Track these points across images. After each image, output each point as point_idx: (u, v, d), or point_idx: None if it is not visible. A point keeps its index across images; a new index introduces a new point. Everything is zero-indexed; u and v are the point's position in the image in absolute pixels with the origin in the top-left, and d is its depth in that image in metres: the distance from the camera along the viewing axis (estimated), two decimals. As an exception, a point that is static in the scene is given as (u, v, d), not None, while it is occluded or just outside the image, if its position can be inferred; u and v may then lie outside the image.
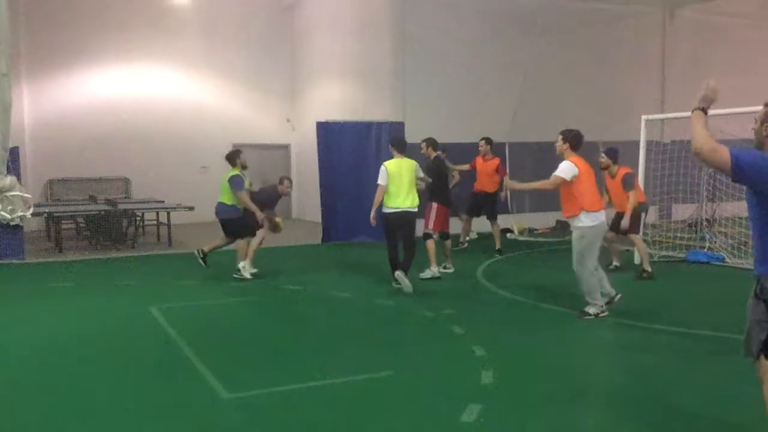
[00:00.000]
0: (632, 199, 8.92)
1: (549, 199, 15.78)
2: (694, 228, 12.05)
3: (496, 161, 11.58)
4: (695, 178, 11.87)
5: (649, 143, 11.04)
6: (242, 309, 7.91)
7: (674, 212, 14.17)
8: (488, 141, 11.61)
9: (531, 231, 14.44)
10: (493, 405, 4.65)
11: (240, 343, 6.39)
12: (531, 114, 15.05)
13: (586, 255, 6.72)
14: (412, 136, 13.53)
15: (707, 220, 11.77)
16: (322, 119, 13.60)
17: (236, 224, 9.39)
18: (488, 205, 11.57)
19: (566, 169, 6.69)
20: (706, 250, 10.88)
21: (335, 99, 15.52)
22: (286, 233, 10.88)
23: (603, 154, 9.30)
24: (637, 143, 10.90)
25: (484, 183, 11.54)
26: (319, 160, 13.34)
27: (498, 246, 11.49)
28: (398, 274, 8.21)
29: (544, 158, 15.36)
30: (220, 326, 7.05)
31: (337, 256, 11.71)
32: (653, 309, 7.63)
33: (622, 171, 9.15)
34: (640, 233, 9.31)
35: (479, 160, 11.67)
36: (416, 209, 8.46)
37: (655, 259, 10.64)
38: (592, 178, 6.81)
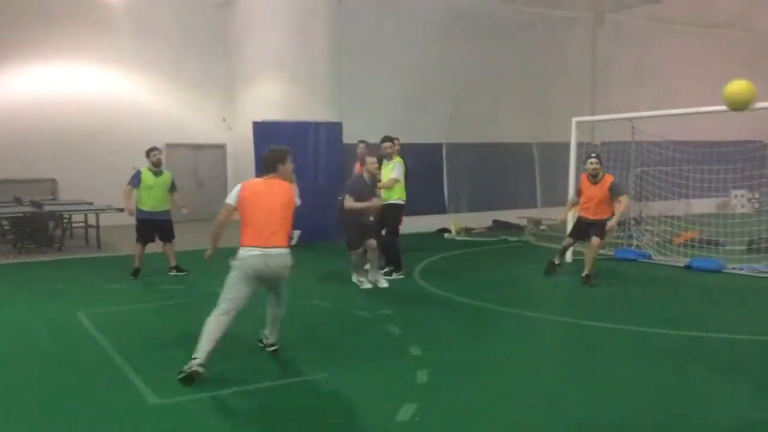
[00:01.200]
0: (625, 202, 8.74)
1: (486, 199, 16.14)
2: (622, 226, 12.39)
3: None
4: (623, 178, 12.22)
5: (579, 145, 11.32)
6: (171, 313, 7.71)
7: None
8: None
9: (468, 230, 14.61)
10: (428, 404, 4.67)
11: (169, 347, 6.20)
12: (469, 115, 15.26)
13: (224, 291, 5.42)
14: (349, 136, 13.58)
15: (635, 218, 12.14)
16: (259, 119, 13.43)
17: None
18: None
19: (232, 193, 5.40)
20: (633, 247, 11.24)
21: (273, 98, 15.35)
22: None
23: (594, 158, 8.80)
24: (568, 144, 11.17)
25: None
26: (255, 160, 13.15)
27: None
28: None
29: (481, 159, 15.75)
30: (148, 331, 6.85)
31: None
32: (585, 306, 7.84)
33: (609, 178, 8.79)
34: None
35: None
36: None
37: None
38: (263, 206, 5.33)
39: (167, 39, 16.96)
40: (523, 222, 15.15)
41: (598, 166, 8.72)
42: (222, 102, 17.93)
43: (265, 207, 5.36)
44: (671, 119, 12.07)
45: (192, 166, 17.85)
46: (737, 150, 13.02)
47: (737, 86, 5.20)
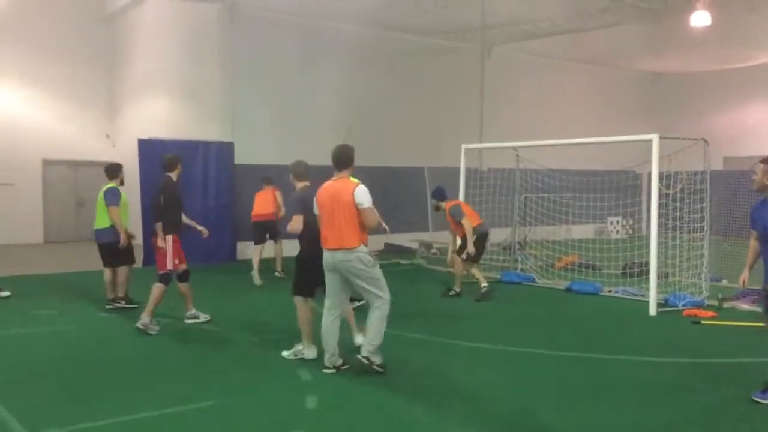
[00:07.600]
0: (467, 224, 9.40)
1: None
2: (508, 250, 12.82)
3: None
4: (509, 203, 12.67)
5: (468, 170, 11.66)
6: (45, 341, 7.21)
7: (491, 235, 15.01)
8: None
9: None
10: (317, 430, 4.59)
11: (42, 377, 5.80)
12: (362, 139, 15.36)
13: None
14: (241, 156, 13.37)
15: (519, 243, 12.59)
16: (145, 136, 12.95)
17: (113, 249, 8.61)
18: (272, 228, 11.40)
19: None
20: (518, 271, 11.64)
21: (160, 116, 14.87)
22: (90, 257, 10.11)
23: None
24: (458, 170, 11.48)
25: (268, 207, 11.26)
26: (140, 179, 12.66)
27: (278, 268, 11.32)
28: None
29: (374, 182, 15.86)
30: (21, 359, 6.37)
31: (159, 281, 11.08)
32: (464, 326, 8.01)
33: (448, 205, 9.75)
34: (464, 256, 9.57)
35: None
36: None
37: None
38: (328, 210, 6.21)
39: (47, 51, 16.14)
40: (414, 245, 15.38)
41: (433, 202, 10.22)
42: (106, 118, 17.19)
43: None
44: (551, 147, 12.66)
45: (72, 183, 16.97)
46: (612, 179, 13.83)
47: None
